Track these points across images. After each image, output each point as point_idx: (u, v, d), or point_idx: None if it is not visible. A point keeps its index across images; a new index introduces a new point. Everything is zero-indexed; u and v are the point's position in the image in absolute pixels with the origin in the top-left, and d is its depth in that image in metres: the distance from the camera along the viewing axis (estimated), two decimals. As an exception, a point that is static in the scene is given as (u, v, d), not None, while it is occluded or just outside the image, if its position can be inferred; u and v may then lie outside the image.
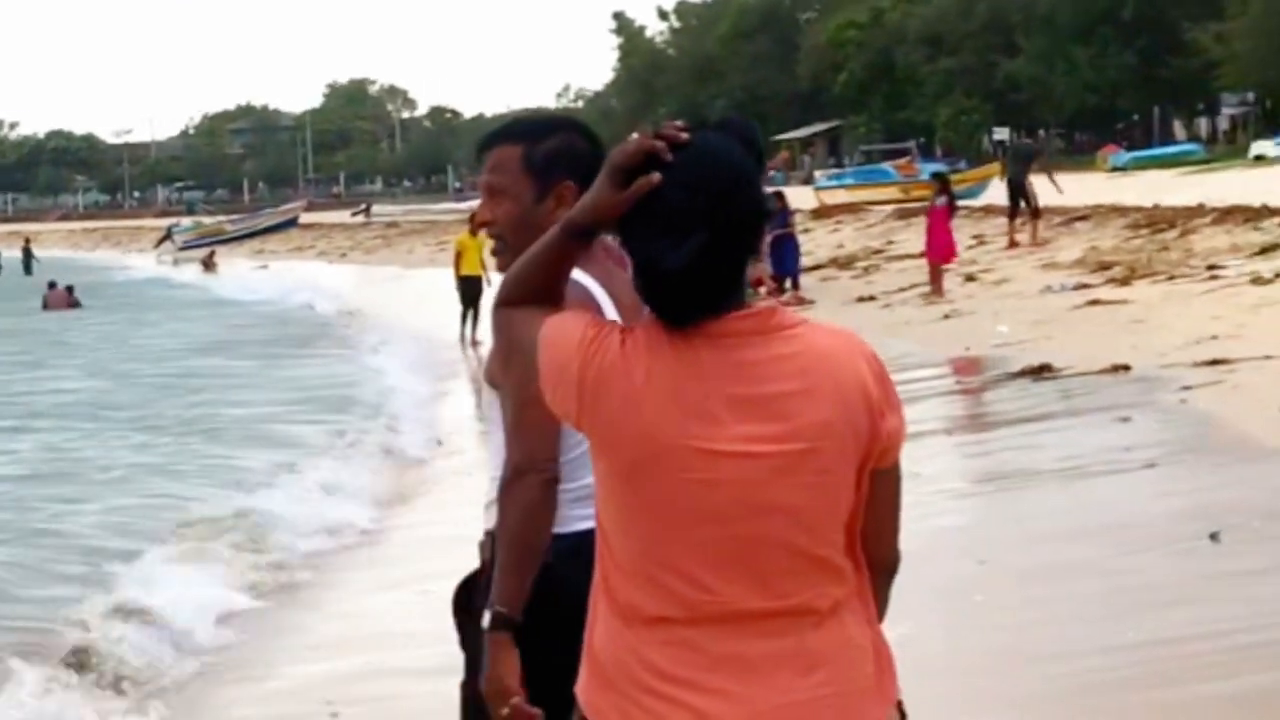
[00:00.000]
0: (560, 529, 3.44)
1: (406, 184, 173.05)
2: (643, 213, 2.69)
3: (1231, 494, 9.71)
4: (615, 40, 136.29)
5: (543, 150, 3.62)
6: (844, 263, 32.67)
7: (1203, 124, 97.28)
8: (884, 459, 2.78)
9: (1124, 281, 22.43)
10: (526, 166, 3.62)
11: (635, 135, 2.72)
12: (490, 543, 3.55)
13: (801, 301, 26.42)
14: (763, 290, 27.62)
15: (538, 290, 2.90)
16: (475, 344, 25.25)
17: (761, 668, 2.72)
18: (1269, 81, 79.33)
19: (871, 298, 25.74)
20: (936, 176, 28.91)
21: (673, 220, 2.66)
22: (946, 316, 21.88)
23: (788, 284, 27.61)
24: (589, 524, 3.10)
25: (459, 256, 27.48)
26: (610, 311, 3.43)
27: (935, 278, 25.08)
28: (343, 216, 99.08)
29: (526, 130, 3.69)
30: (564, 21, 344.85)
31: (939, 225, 25.63)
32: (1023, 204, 30.87)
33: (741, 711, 2.71)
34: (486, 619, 3.38)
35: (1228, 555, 8.26)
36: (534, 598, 3.38)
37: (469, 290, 26.62)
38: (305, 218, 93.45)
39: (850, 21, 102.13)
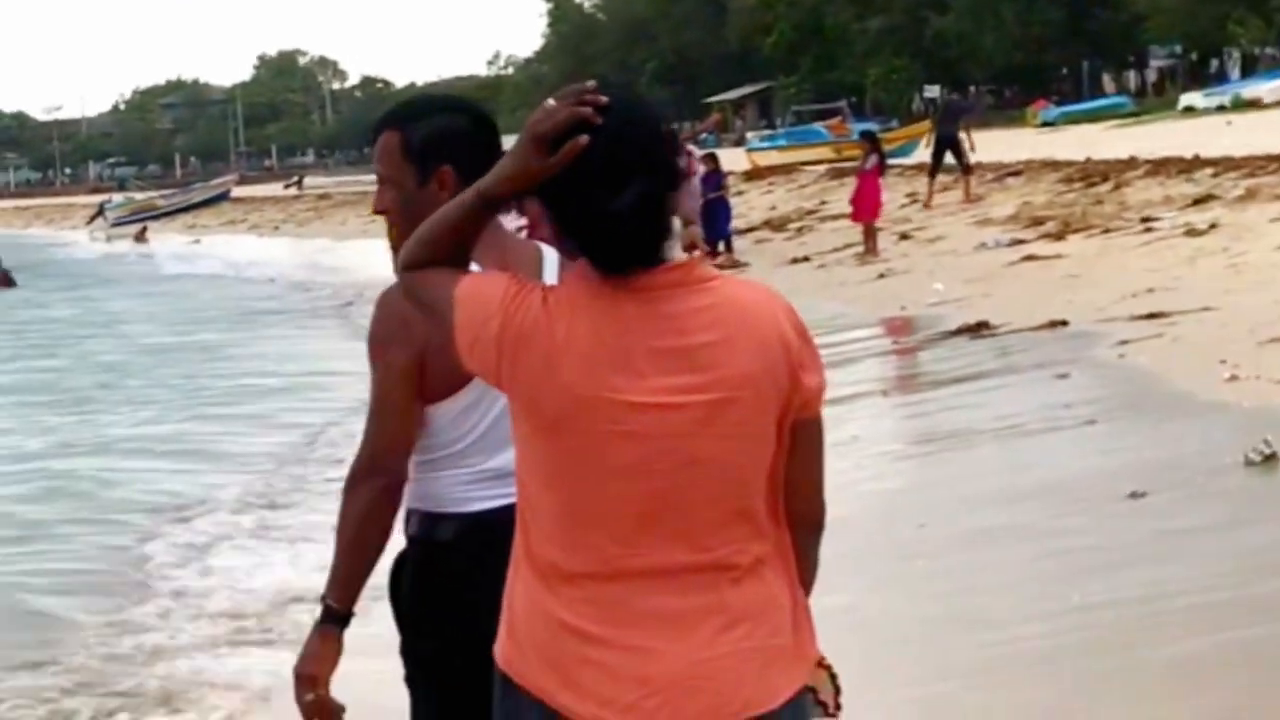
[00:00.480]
0: (458, 509, 3.53)
1: (339, 155, 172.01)
2: (572, 170, 2.69)
3: (1171, 450, 9.59)
4: (545, 6, 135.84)
5: (420, 135, 3.57)
6: (777, 224, 32.49)
7: (1131, 77, 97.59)
8: (805, 410, 2.80)
9: (1058, 236, 22.34)
10: (405, 152, 3.58)
11: (550, 102, 2.70)
12: (409, 519, 3.62)
13: (735, 264, 26.24)
14: (696, 254, 27.46)
15: (447, 255, 2.85)
16: None
17: (683, 623, 2.73)
18: (1196, 33, 79.63)
19: (806, 259, 25.59)
20: (866, 136, 28.75)
21: (606, 173, 2.68)
22: (882, 276, 21.76)
23: (720, 247, 27.40)
24: (487, 504, 3.44)
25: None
26: (551, 260, 3.47)
27: (869, 237, 24.97)
28: (275, 189, 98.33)
29: (405, 115, 3.64)
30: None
31: (869, 185, 25.52)
32: (955, 161, 30.75)
33: (663, 667, 2.72)
34: (318, 611, 3.53)
35: (1167, 514, 8.14)
36: (435, 576, 3.52)
37: None
38: (237, 191, 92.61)
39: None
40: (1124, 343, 13.20)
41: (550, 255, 3.50)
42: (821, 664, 2.99)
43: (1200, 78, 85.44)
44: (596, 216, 2.68)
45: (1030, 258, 20.50)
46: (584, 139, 2.67)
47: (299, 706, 3.48)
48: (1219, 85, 75.18)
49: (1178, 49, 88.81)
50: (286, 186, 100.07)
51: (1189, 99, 66.16)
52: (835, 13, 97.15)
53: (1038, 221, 24.38)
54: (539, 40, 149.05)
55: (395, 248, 3.47)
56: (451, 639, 3.49)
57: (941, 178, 31.24)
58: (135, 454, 14.22)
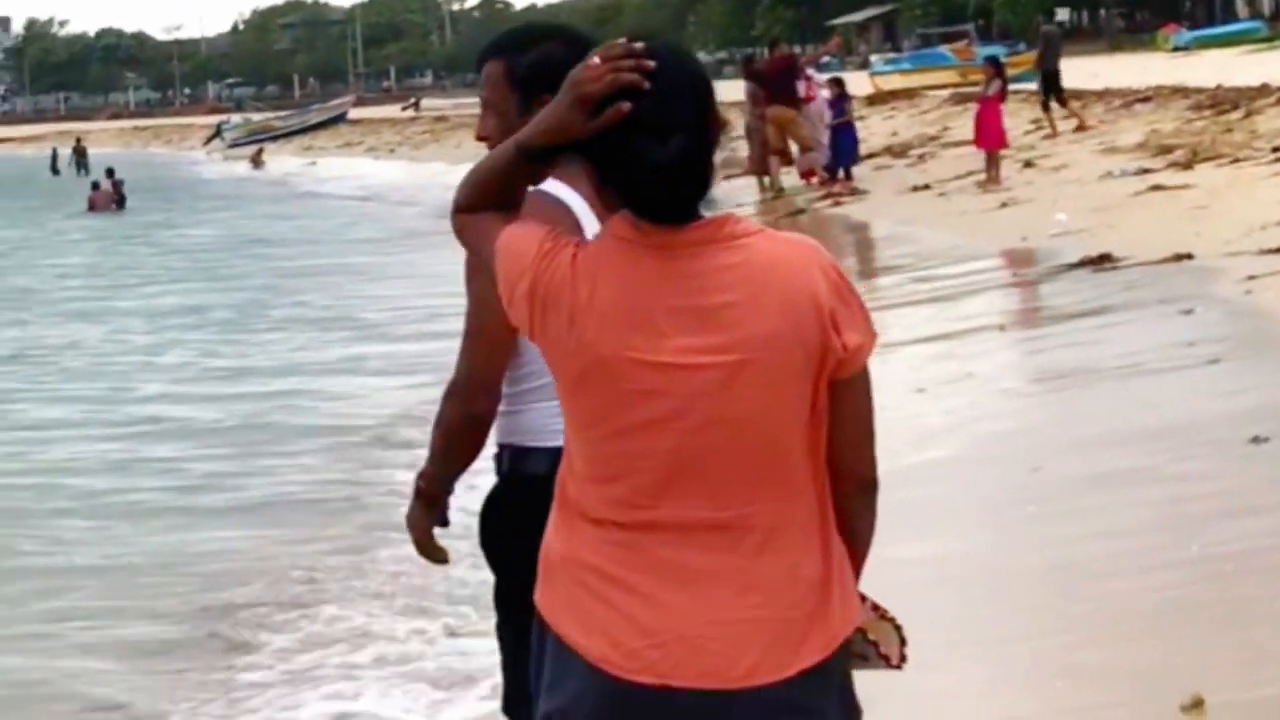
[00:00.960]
0: (551, 443, 3.45)
1: (457, 77, 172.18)
2: (619, 123, 2.72)
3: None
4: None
5: (525, 63, 3.64)
6: (898, 150, 31.98)
7: (1266, 1, 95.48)
8: (841, 370, 2.77)
9: (1186, 165, 21.76)
10: (510, 80, 3.66)
11: (596, 59, 2.73)
12: (501, 455, 3.73)
13: (854, 192, 25.86)
14: (814, 182, 27.10)
15: (492, 202, 2.91)
16: None
17: (699, 580, 2.75)
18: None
19: (926, 186, 25.09)
20: (990, 60, 28.08)
21: (653, 126, 2.70)
22: (1004, 205, 21.27)
23: (840, 174, 26.97)
24: None
25: None
26: (592, 222, 3.41)
27: (991, 165, 24.47)
28: (392, 111, 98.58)
29: (510, 44, 3.73)
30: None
31: (991, 112, 24.97)
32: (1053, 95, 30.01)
33: (673, 621, 2.75)
34: (413, 486, 3.81)
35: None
36: (529, 511, 3.38)
37: None
38: (354, 113, 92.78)
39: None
40: (1251, 278, 12.77)
41: (578, 202, 3.52)
42: (885, 616, 2.99)
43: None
44: (642, 167, 2.70)
45: (1157, 188, 19.95)
46: (627, 105, 2.69)
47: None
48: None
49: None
50: (404, 109, 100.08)
51: (1325, 24, 64.64)
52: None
53: (1166, 150, 23.79)
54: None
55: None
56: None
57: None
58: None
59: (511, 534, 3.60)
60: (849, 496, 2.87)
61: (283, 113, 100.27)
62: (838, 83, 29.50)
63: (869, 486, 2.90)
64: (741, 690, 2.76)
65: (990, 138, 24.78)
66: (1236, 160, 21.58)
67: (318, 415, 13.12)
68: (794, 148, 27.06)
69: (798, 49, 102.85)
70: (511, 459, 3.69)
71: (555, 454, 3.38)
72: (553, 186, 3.54)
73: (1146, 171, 21.76)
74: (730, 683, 2.75)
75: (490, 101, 3.69)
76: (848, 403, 2.81)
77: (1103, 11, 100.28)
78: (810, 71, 28.38)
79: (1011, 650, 5.93)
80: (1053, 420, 9.68)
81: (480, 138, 3.72)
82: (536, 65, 3.61)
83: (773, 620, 2.76)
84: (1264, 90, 29.81)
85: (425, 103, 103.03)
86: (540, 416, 3.62)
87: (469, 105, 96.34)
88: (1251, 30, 73.13)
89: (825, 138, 27.08)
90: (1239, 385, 9.63)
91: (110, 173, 43.98)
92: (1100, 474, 8.13)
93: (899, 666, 3.01)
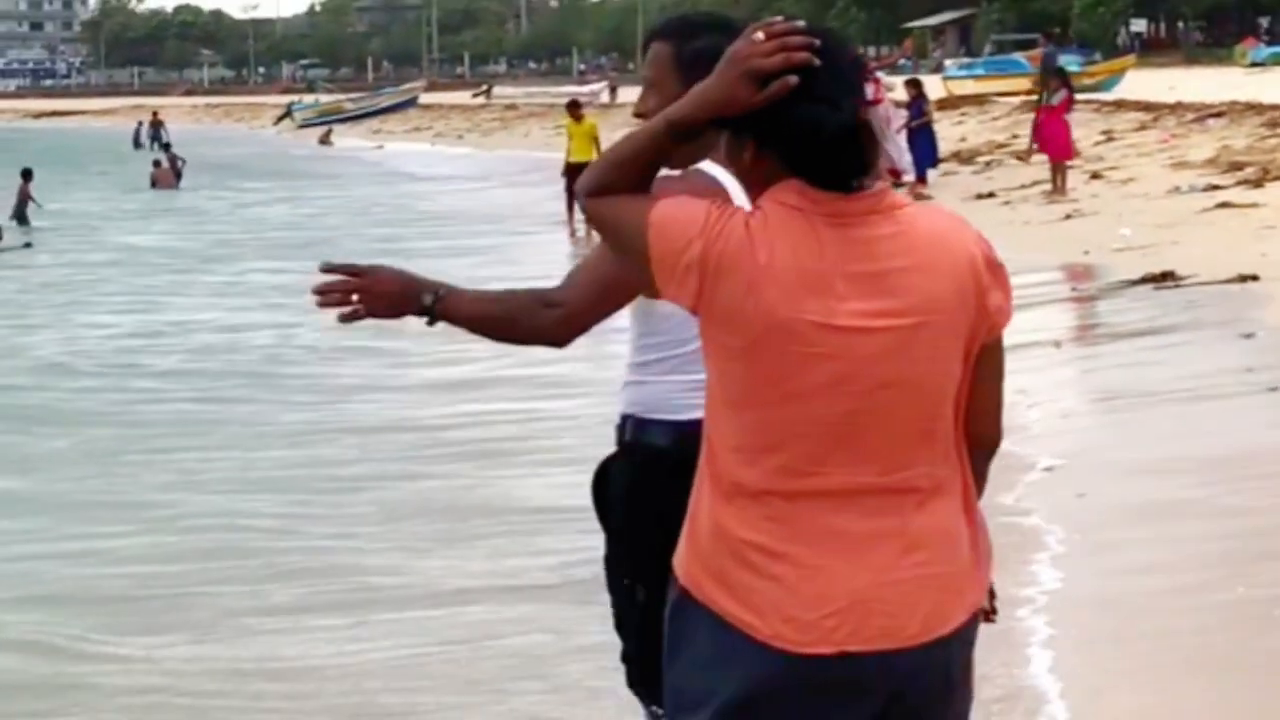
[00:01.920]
0: (675, 416, 3.66)
1: (531, 66, 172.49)
2: (789, 95, 2.79)
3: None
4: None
5: (692, 49, 3.71)
6: (966, 157, 31.62)
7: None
8: (991, 333, 2.89)
9: (1257, 184, 21.36)
10: (676, 63, 3.74)
11: (759, 35, 2.81)
12: (624, 424, 3.81)
13: (919, 196, 25.54)
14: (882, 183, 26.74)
15: (634, 182, 2.93)
16: (574, 234, 24.57)
17: (864, 545, 2.82)
18: None
19: (991, 194, 24.76)
20: (1055, 71, 27.64)
21: (824, 95, 2.79)
22: (1068, 216, 20.93)
23: (908, 177, 26.62)
24: (699, 414, 3.12)
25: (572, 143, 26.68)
26: (741, 198, 3.27)
27: (1058, 175, 24.11)
28: (464, 97, 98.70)
29: (680, 28, 3.86)
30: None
31: (1057, 122, 24.61)
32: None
33: (843, 586, 2.81)
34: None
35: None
36: (649, 482, 3.67)
37: (573, 178, 25.63)
38: (425, 98, 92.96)
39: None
40: (1316, 305, 12.48)
41: (731, 183, 3.45)
42: None
43: None
44: (819, 132, 2.78)
45: (1225, 205, 19.58)
46: (794, 79, 2.77)
47: None
48: None
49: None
50: (475, 95, 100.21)
51: (1406, 44, 63.80)
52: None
53: (1236, 167, 23.39)
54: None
55: None
56: (661, 544, 3.36)
57: (1141, 115, 30.14)
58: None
59: (631, 502, 3.77)
60: (980, 458, 2.99)
61: (354, 95, 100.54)
62: (915, 84, 29.18)
63: (996, 448, 3.04)
64: (916, 647, 2.84)
65: (1058, 148, 24.42)
66: (1308, 181, 21.21)
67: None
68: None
69: (872, 50, 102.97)
70: (635, 429, 3.80)
71: (677, 427, 3.63)
72: (709, 167, 3.61)
73: (1215, 188, 21.37)
74: (906, 641, 2.84)
75: (654, 80, 3.79)
76: (991, 365, 2.94)
77: (1181, 24, 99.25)
78: (878, 75, 28.07)
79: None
80: (1102, 444, 9.38)
81: (638, 114, 3.71)
82: (704, 52, 3.54)
83: (937, 576, 2.86)
84: (1340, 109, 29.38)
85: (497, 90, 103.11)
86: (667, 390, 3.72)
87: (539, 94, 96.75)
88: (1333, 47, 72.30)
89: (899, 140, 26.78)
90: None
91: (167, 147, 43.78)
92: (1146, 503, 7.85)
93: (992, 619, 3.11)
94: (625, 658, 3.92)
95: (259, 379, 13.15)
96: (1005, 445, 3.08)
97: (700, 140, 3.18)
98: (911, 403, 2.83)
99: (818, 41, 2.81)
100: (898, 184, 26.15)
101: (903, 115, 27.39)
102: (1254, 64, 66.43)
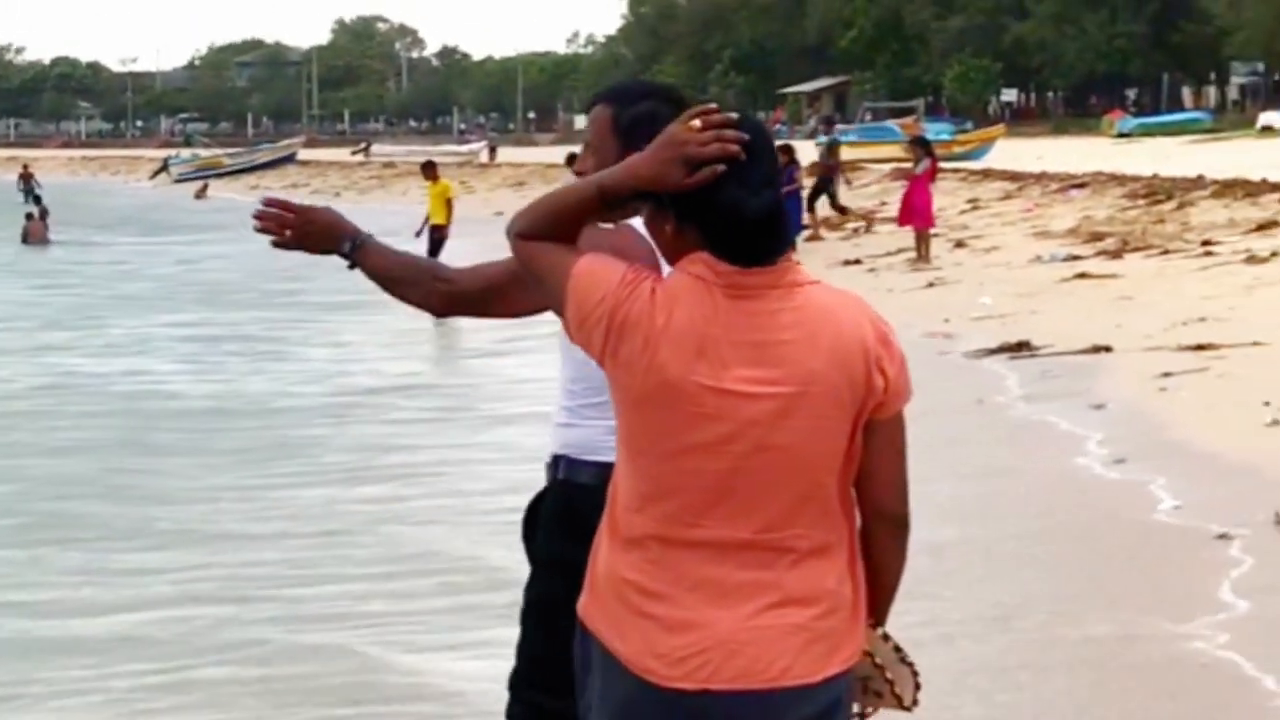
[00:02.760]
0: (604, 457, 3.78)
1: (411, 124, 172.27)
2: (715, 180, 3.03)
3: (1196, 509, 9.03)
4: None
5: (630, 114, 3.98)
6: (834, 224, 31.93)
7: (1212, 93, 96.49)
8: (881, 411, 3.05)
9: (1115, 254, 21.77)
10: (614, 127, 4.00)
11: (695, 123, 3.03)
12: (556, 463, 4.06)
13: (786, 261, 25.73)
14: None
15: (561, 234, 3.17)
16: None
17: (735, 595, 3.01)
18: (1277, 51, 78.61)
19: (857, 261, 25.03)
20: (918, 141, 28.01)
21: (744, 181, 3.02)
22: (931, 285, 21.19)
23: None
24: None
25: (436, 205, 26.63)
26: (665, 267, 3.56)
27: (921, 243, 24.45)
28: (343, 155, 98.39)
29: (620, 94, 4.10)
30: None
31: (920, 191, 24.97)
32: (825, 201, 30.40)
33: (710, 630, 3.00)
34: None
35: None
36: (575, 518, 3.86)
37: (431, 237, 25.61)
38: (304, 154, 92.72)
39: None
40: (1167, 375, 12.66)
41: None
42: (904, 660, 3.20)
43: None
44: (736, 214, 3.01)
45: (1084, 275, 19.92)
46: (722, 168, 3.01)
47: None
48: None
49: (1260, 67, 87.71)
50: (354, 153, 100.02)
51: (1268, 118, 65.23)
52: (915, 10, 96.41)
53: (1096, 237, 23.81)
54: (619, 21, 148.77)
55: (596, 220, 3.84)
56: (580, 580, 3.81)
57: (1007, 184, 30.60)
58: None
59: (560, 535, 4.00)
60: (882, 532, 3.14)
61: (232, 150, 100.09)
62: (786, 150, 29.40)
63: (902, 523, 3.15)
64: (774, 690, 3.01)
65: (919, 216, 24.78)
66: (1166, 251, 21.64)
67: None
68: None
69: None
70: (567, 468, 4.04)
71: (604, 468, 3.70)
72: (639, 223, 3.77)
73: (1075, 258, 21.73)
74: (764, 683, 3.01)
75: (593, 143, 4.03)
76: (884, 438, 3.09)
77: (1050, 94, 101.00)
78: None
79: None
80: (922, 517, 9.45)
81: (578, 172, 4.02)
82: (642, 118, 3.92)
83: (804, 628, 3.03)
84: (1199, 182, 29.97)
85: (376, 148, 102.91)
86: (597, 433, 3.94)
87: (419, 152, 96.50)
88: (1196, 120, 73.83)
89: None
90: (1140, 494, 9.42)
91: (38, 200, 43.21)
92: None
93: (909, 708, 3.22)
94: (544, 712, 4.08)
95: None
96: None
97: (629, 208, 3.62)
98: (789, 467, 3.02)
99: (747, 136, 3.04)
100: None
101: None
102: (1120, 135, 67.78)
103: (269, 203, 4.05)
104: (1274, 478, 9.20)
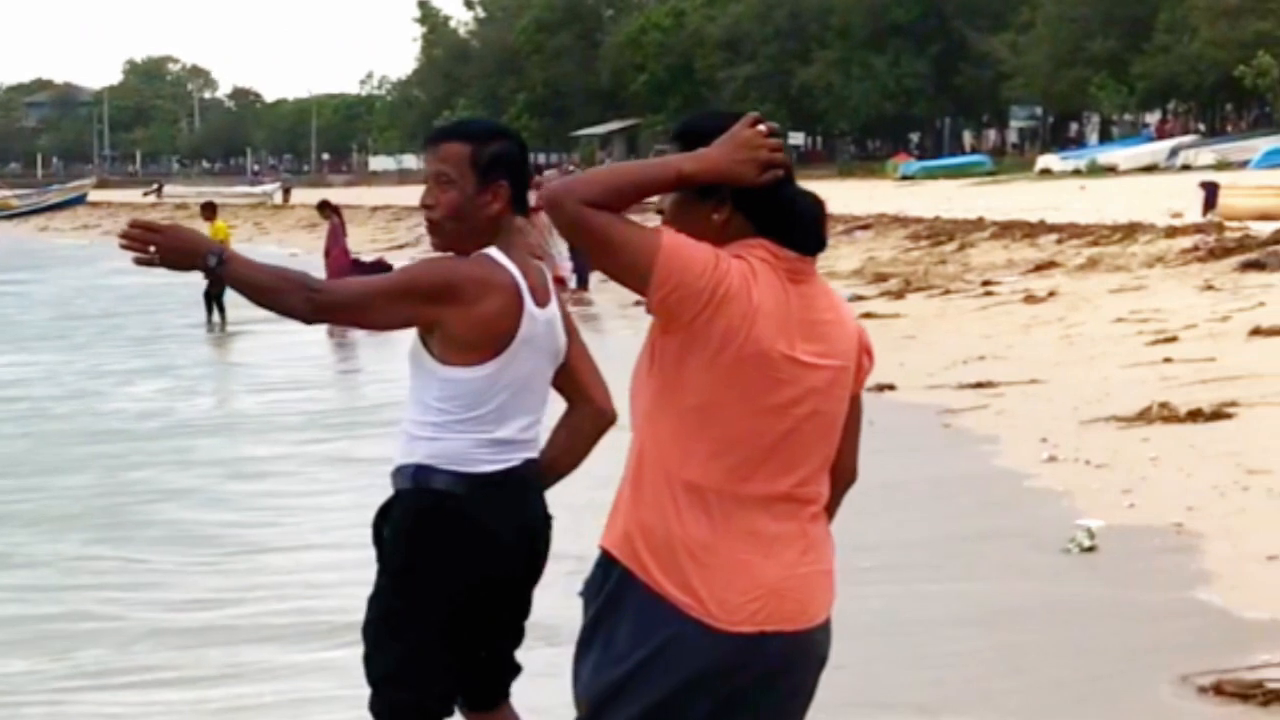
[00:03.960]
0: (470, 469, 4.32)
1: (204, 165, 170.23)
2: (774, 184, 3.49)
3: (983, 537, 9.44)
4: (419, 29, 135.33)
5: (489, 152, 4.36)
6: (629, 264, 32.27)
7: (992, 136, 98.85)
8: (859, 386, 3.64)
9: (899, 295, 22.33)
10: (473, 163, 4.35)
11: (762, 128, 3.47)
12: (416, 472, 4.36)
13: (581, 302, 26.03)
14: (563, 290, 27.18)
15: (624, 208, 3.44)
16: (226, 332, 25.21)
17: (775, 544, 3.46)
18: (1056, 96, 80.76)
19: (650, 303, 25.34)
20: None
21: (790, 182, 3.53)
22: (723, 325, 21.56)
23: (575, 284, 27.13)
24: (494, 466, 4.33)
25: None
26: (526, 293, 4.33)
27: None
28: (135, 195, 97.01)
29: (476, 132, 4.44)
30: (369, 8, 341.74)
31: None
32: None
33: (762, 576, 3.43)
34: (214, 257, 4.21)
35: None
36: (442, 524, 4.32)
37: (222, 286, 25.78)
38: (95, 195, 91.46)
39: (652, 23, 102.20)
40: (949, 411, 13.07)
41: (514, 268, 4.37)
42: None
43: (1060, 140, 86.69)
44: (804, 213, 3.51)
45: (868, 315, 20.36)
46: (781, 171, 3.47)
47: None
48: (1077, 149, 76.38)
49: (1038, 110, 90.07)
50: (145, 193, 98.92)
51: (1046, 161, 67.07)
52: (704, 56, 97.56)
53: (881, 278, 24.39)
54: (412, 63, 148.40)
55: (434, 235, 4.43)
56: (445, 580, 4.33)
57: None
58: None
59: (419, 541, 4.36)
60: (839, 490, 3.70)
61: (20, 191, 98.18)
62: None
63: (852, 482, 3.76)
64: (812, 629, 3.50)
65: None
66: (947, 291, 22.26)
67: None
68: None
69: (542, 158, 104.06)
70: (428, 477, 4.34)
71: (472, 478, 4.31)
72: (495, 253, 4.35)
73: (860, 298, 22.29)
74: (805, 623, 3.49)
75: (448, 176, 4.36)
76: (857, 411, 3.67)
77: (836, 137, 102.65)
78: (541, 181, 28.61)
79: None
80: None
81: (425, 205, 4.41)
82: (500, 155, 4.37)
83: (823, 573, 3.54)
84: (979, 224, 30.83)
85: (168, 189, 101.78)
86: (464, 445, 4.33)
87: (211, 193, 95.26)
88: (977, 163, 75.64)
89: (561, 246, 27.28)
90: (917, 531, 9.71)
91: None
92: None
93: None
94: (427, 711, 4.46)
95: None
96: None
97: (499, 229, 4.33)
98: (826, 430, 3.54)
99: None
100: (561, 289, 26.58)
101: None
102: (904, 177, 69.20)
103: (133, 224, 4.20)
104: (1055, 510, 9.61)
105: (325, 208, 29.07)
